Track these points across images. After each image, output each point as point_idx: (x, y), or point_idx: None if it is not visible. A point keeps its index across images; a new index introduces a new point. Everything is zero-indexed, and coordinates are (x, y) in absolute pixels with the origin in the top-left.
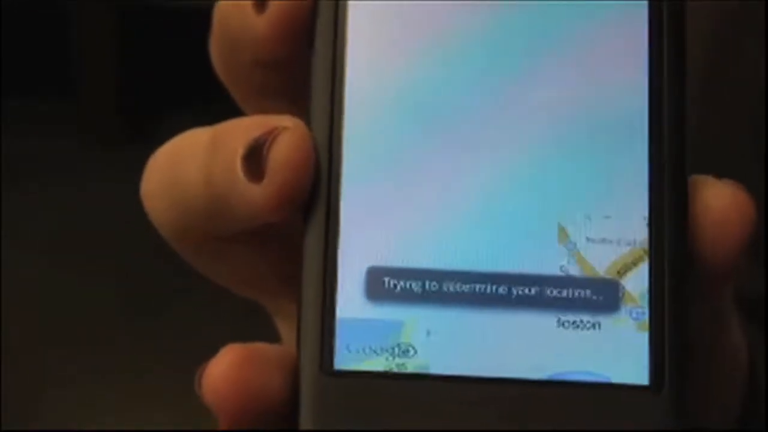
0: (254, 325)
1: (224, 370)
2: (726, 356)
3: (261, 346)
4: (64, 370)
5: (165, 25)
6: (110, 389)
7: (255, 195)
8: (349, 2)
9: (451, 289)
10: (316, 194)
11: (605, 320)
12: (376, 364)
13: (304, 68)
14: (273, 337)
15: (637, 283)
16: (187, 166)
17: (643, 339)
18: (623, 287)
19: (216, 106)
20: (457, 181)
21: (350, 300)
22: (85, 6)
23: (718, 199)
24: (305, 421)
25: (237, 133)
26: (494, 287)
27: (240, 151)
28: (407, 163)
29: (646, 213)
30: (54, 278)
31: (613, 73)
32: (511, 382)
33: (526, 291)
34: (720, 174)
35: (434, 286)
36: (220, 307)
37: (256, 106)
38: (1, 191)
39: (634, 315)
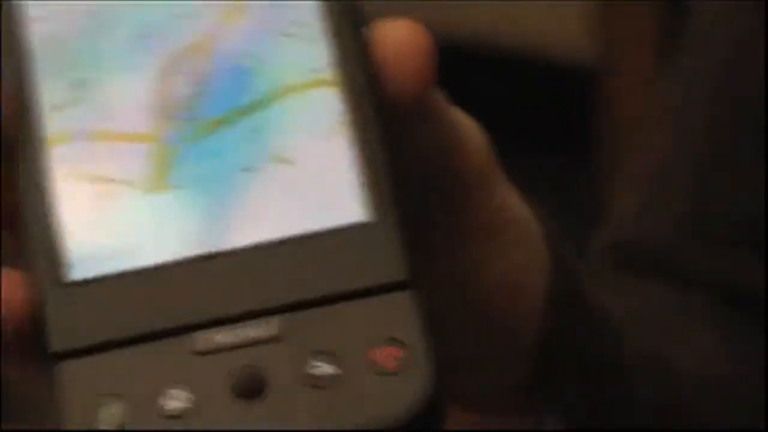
0: None
1: None
2: (511, 230)
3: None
4: None
5: None
6: None
7: None
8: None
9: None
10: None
11: None
12: (110, 266)
13: None
14: None
15: None
16: None
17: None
18: None
19: None
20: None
21: (74, 212)
22: None
23: (394, 31)
24: (51, 336)
25: None
26: None
27: None
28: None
29: None
30: None
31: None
32: (246, 250)
33: None
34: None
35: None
36: None
37: None
38: None
39: None
